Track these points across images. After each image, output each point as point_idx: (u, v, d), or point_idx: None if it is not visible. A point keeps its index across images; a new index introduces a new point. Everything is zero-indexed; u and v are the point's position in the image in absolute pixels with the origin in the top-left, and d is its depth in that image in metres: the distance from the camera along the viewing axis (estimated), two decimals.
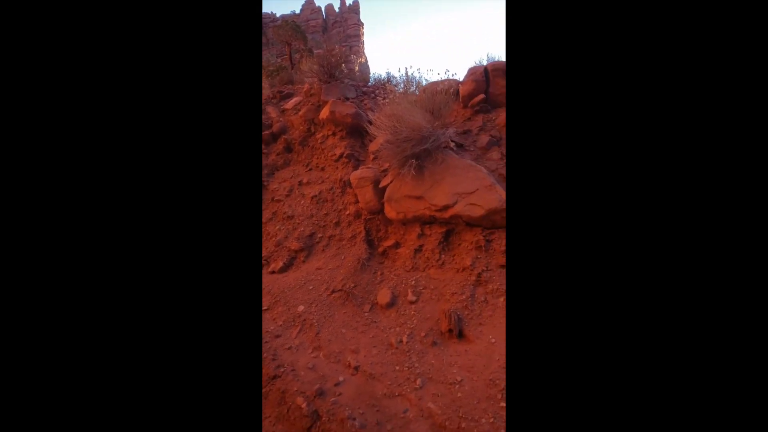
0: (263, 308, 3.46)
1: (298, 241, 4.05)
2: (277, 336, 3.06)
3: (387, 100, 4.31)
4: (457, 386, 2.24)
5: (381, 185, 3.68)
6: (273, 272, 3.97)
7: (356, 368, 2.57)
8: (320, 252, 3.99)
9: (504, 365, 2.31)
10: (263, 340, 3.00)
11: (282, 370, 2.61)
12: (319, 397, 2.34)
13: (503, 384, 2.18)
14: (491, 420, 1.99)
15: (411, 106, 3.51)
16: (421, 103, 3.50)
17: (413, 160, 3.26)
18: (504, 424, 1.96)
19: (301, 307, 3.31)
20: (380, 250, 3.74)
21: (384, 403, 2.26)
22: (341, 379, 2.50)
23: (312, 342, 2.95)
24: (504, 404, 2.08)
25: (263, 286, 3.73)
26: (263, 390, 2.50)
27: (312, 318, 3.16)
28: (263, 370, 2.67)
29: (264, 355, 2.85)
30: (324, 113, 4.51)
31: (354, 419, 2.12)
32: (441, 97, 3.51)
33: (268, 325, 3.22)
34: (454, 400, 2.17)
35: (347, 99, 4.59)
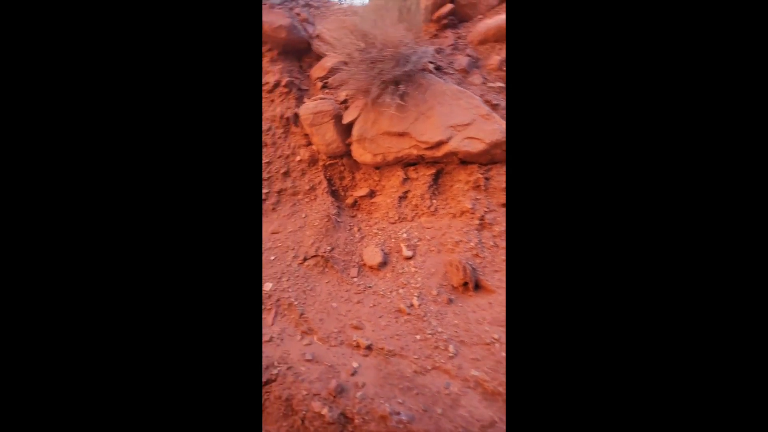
0: None
1: None
2: None
3: (337, 8, 3.35)
4: (497, 345, 2.01)
5: (345, 121, 2.95)
6: None
7: (368, 347, 2.14)
8: (270, 212, 3.18)
9: None
10: None
11: (275, 371, 2.01)
12: (339, 395, 1.86)
13: None
14: None
15: (377, 15, 2.72)
16: (390, 12, 2.74)
17: (395, 87, 2.60)
18: None
19: (267, 285, 2.60)
20: (348, 201, 3.14)
21: (420, 383, 1.92)
22: (355, 365, 2.04)
23: (298, 326, 2.36)
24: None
25: None
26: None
27: (287, 296, 2.52)
28: None
29: None
30: None
31: (397, 413, 1.74)
32: (412, 3, 2.79)
33: None
34: (499, 360, 1.94)
35: (272, 6, 3.43)
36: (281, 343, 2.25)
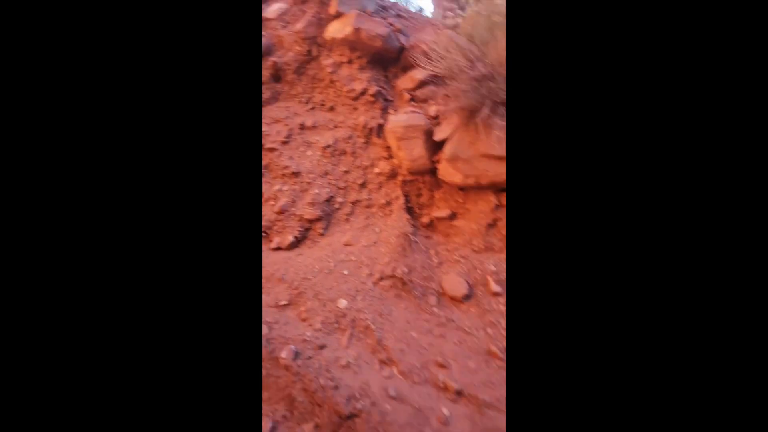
0: (282, 303, 2.52)
1: (313, 207, 3.02)
2: (322, 347, 2.21)
3: (428, 20, 3.24)
4: None
5: (436, 138, 2.79)
6: (278, 249, 2.95)
7: (458, 393, 1.92)
8: (343, 222, 3.06)
9: None
10: (304, 355, 2.13)
11: (358, 405, 1.83)
12: None
13: None
14: None
15: (486, 31, 2.57)
16: (502, 29, 2.58)
17: (501, 108, 2.42)
18: None
19: (342, 302, 2.45)
20: (424, 220, 2.97)
21: None
22: (446, 412, 1.83)
23: (375, 353, 2.18)
24: None
25: (269, 270, 2.73)
26: None
27: (363, 317, 2.35)
28: (323, 401, 1.86)
29: (312, 377, 2.02)
30: (337, 31, 3.26)
31: None
32: None
33: (300, 328, 2.33)
34: None
35: (371, 14, 3.36)
36: (359, 371, 2.07)
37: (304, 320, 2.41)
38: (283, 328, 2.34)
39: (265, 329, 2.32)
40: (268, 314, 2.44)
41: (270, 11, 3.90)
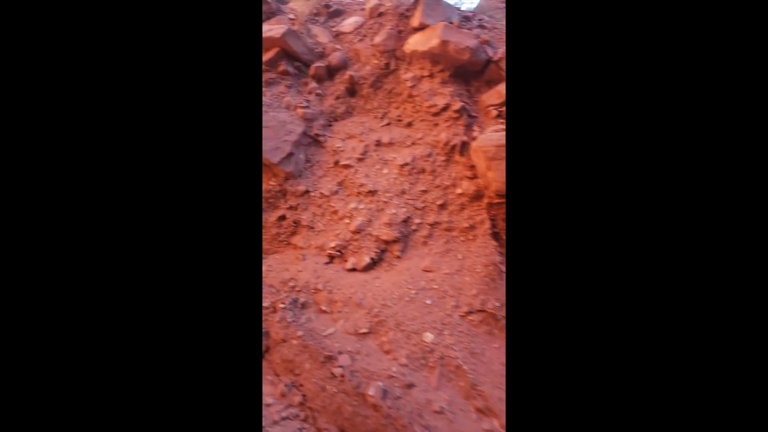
0: (362, 331, 2.39)
1: (390, 228, 2.89)
2: (410, 385, 2.04)
3: None
4: None
5: None
6: (354, 270, 2.84)
7: None
8: (421, 246, 2.89)
9: None
10: (392, 394, 1.97)
11: None
12: None
13: None
14: None
15: None
16: None
17: None
18: None
19: (428, 336, 2.28)
20: None
21: None
22: None
23: (470, 399, 1.98)
24: None
25: (345, 293, 2.63)
26: None
27: (453, 355, 2.16)
28: None
29: (404, 421, 1.85)
30: (419, 44, 3.13)
31: None
32: None
33: (384, 362, 2.18)
34: None
35: (458, 26, 3.20)
36: (455, 419, 1.88)
37: (387, 352, 2.27)
38: (366, 359, 2.21)
39: (346, 359, 2.20)
40: (348, 342, 2.32)
41: (346, 25, 3.88)
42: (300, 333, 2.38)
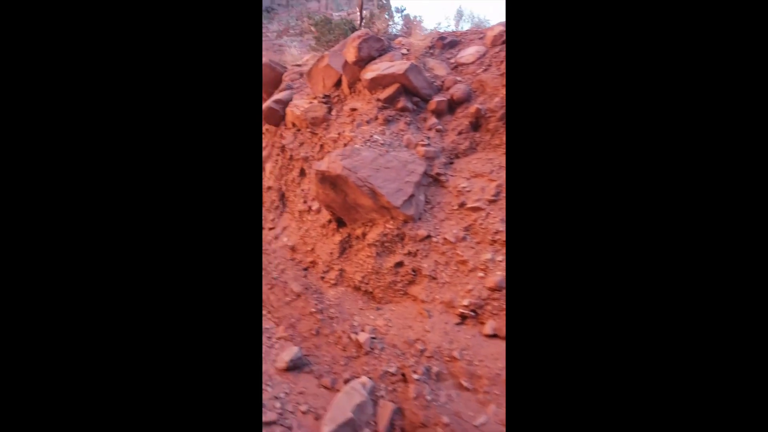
0: None
1: None
2: None
3: None
4: None
5: None
6: (494, 336, 2.37)
7: None
8: None
9: None
10: None
11: None
12: None
13: None
14: None
15: None
16: None
17: None
18: None
19: None
20: None
21: None
22: None
23: None
24: None
25: (486, 367, 2.16)
26: None
27: None
28: None
29: None
30: None
31: None
32: None
33: None
34: None
35: None
36: None
37: None
38: None
39: None
40: None
41: (465, 55, 3.61)
42: (445, 419, 1.97)
